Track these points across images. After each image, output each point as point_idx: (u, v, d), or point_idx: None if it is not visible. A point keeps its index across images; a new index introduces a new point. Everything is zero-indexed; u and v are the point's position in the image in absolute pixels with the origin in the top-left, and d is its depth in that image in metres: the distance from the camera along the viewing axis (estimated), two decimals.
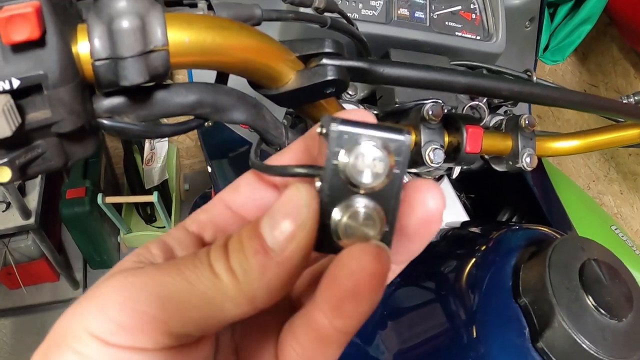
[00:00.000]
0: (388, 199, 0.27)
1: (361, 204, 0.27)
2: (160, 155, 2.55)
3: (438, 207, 0.28)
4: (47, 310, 2.60)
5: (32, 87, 0.32)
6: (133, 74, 0.34)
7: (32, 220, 2.20)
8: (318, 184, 0.27)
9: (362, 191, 0.27)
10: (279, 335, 0.31)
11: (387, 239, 0.28)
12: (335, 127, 0.26)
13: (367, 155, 0.26)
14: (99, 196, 2.27)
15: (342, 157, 0.26)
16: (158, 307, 0.26)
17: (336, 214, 0.27)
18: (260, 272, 0.25)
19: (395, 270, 0.32)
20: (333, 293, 0.25)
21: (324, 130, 0.27)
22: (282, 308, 0.33)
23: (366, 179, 0.26)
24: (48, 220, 2.39)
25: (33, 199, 2.27)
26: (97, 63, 0.34)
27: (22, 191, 2.25)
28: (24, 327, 2.56)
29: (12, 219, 2.20)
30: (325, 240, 0.28)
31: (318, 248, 0.28)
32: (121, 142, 2.73)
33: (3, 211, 2.23)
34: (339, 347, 0.27)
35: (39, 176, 2.35)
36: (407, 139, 0.27)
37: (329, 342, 0.27)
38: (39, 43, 0.31)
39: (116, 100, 0.37)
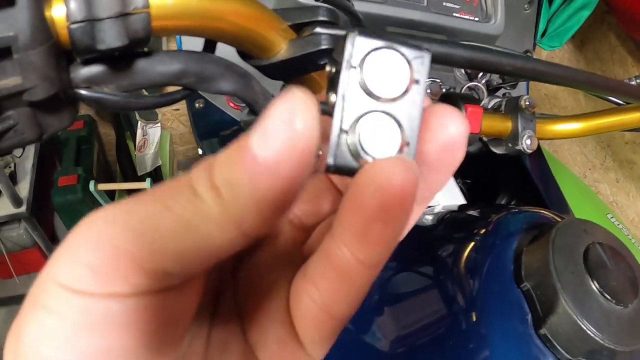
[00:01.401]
0: (410, 111, 0.25)
1: (381, 115, 0.25)
2: (152, 141, 2.52)
3: (460, 132, 0.25)
4: None
5: (0, 51, 0.30)
6: (111, 37, 0.32)
7: (23, 208, 2.18)
8: (333, 96, 0.25)
9: (382, 101, 0.25)
10: (289, 291, 0.28)
11: (410, 154, 0.25)
12: (354, 35, 0.24)
13: (388, 62, 0.24)
14: (92, 183, 2.24)
15: (360, 65, 0.24)
16: (130, 240, 0.22)
17: (353, 127, 0.25)
18: (250, 184, 0.22)
19: (417, 211, 0.28)
20: (357, 216, 0.22)
21: (334, 69, 0.25)
22: (293, 264, 0.30)
23: (388, 86, 0.24)
24: (40, 208, 2.37)
25: (24, 187, 2.25)
26: (73, 26, 0.32)
27: (13, 179, 2.23)
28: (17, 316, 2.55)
29: (3, 207, 2.18)
30: (340, 160, 0.25)
31: (331, 169, 0.25)
32: (113, 128, 2.71)
33: None
34: (364, 285, 0.24)
35: (31, 164, 2.33)
36: (426, 53, 0.25)
37: (352, 280, 0.24)
38: (7, 1, 0.29)
39: (95, 69, 0.35)
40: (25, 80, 0.31)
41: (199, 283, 0.27)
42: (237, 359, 0.29)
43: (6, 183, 2.09)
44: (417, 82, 0.25)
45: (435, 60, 0.45)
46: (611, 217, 1.31)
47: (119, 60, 0.36)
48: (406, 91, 0.24)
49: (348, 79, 0.24)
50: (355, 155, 0.24)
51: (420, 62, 0.25)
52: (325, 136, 0.25)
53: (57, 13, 0.32)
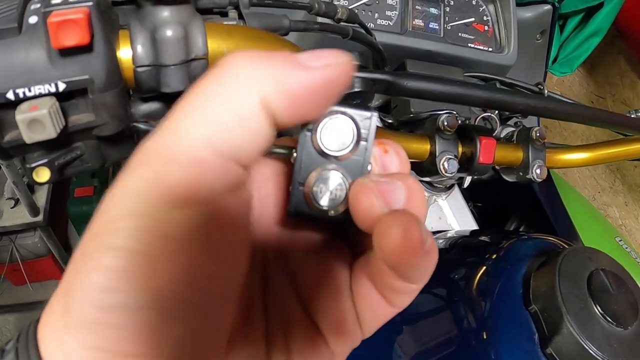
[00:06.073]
0: (358, 169, 0.30)
1: (330, 171, 0.30)
2: None
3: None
4: None
5: (76, 90, 0.34)
6: (175, 82, 0.36)
7: (40, 217, 2.19)
8: (294, 154, 0.30)
9: (332, 160, 0.30)
10: (347, 271, 0.32)
11: None
12: None
13: (336, 126, 0.29)
14: None
15: (314, 127, 0.29)
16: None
17: (307, 181, 0.30)
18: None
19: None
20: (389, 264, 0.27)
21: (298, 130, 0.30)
22: (346, 255, 0.34)
23: (335, 147, 0.29)
24: (56, 218, 2.38)
25: (42, 197, 2.27)
26: (140, 69, 0.36)
27: (31, 188, 2.25)
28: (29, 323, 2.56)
29: (21, 216, 2.20)
30: (298, 207, 0.30)
31: (291, 215, 0.30)
32: None
33: (12, 208, 2.23)
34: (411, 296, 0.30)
35: None
36: (373, 115, 0.30)
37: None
38: (86, 48, 0.33)
39: (154, 106, 0.39)
40: (98, 118, 0.35)
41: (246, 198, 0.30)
42: (301, 332, 0.32)
43: (24, 192, 2.11)
44: (364, 139, 0.30)
45: (456, 100, 0.49)
46: (620, 241, 1.31)
47: (175, 97, 0.39)
48: (354, 149, 0.29)
49: (304, 141, 0.29)
50: (310, 204, 0.30)
51: (368, 122, 0.30)
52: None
53: (124, 55, 0.36)
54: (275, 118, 0.26)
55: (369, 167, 0.30)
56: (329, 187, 0.29)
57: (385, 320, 0.32)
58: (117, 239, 0.24)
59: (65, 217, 2.48)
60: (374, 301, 0.31)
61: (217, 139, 0.25)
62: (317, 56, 0.26)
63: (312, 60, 0.26)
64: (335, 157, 0.29)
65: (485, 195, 1.14)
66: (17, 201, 2.22)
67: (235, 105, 0.25)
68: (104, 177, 2.50)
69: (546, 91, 0.90)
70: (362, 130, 0.29)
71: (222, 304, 0.27)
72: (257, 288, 0.33)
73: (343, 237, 0.35)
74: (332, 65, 0.26)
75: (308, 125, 0.29)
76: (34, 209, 2.18)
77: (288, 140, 0.34)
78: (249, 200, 0.30)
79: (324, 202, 0.29)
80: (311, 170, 0.30)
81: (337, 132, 0.29)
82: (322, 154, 0.29)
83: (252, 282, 0.33)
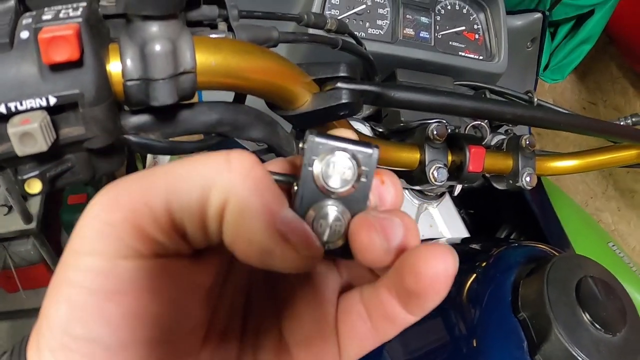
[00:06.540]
0: (357, 204, 0.30)
1: (330, 206, 0.30)
2: (162, 163, 2.54)
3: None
4: None
5: (66, 104, 0.34)
6: (164, 95, 0.36)
7: (33, 224, 2.19)
8: (295, 188, 0.30)
9: (333, 196, 0.30)
10: (334, 303, 0.33)
11: None
12: (312, 138, 0.30)
13: (338, 164, 0.29)
14: None
15: (316, 165, 0.30)
16: (139, 208, 0.26)
17: (309, 214, 0.30)
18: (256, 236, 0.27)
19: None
20: (401, 288, 0.28)
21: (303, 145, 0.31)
22: (333, 283, 0.34)
23: (336, 184, 0.30)
24: (49, 225, 2.38)
25: (35, 204, 2.27)
26: (129, 83, 0.36)
27: (24, 196, 2.25)
28: (22, 330, 2.54)
29: (14, 223, 2.19)
30: None
31: None
32: None
33: (5, 215, 2.22)
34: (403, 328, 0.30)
35: None
36: (374, 151, 0.30)
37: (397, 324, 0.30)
38: (76, 63, 0.33)
39: (143, 118, 0.39)
40: (88, 131, 0.35)
41: (213, 260, 0.32)
42: (271, 353, 0.33)
43: (17, 199, 2.11)
44: (364, 175, 0.30)
45: (444, 111, 0.49)
46: (612, 246, 1.31)
47: (165, 110, 0.40)
48: (354, 185, 0.30)
49: (306, 176, 0.30)
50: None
51: (368, 159, 0.30)
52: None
53: (113, 68, 0.36)
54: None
55: (368, 203, 0.31)
56: (329, 222, 0.30)
57: (368, 351, 0.32)
58: (78, 274, 0.26)
59: (58, 224, 2.48)
60: (362, 333, 0.31)
61: (175, 206, 0.26)
62: (295, 230, 0.27)
63: (291, 229, 0.27)
64: (337, 193, 0.30)
65: (477, 202, 1.14)
66: (10, 208, 2.22)
67: (201, 187, 0.26)
68: (97, 184, 2.50)
69: (536, 99, 0.91)
70: (363, 167, 0.30)
71: (175, 338, 0.29)
72: (239, 310, 0.34)
73: (334, 264, 0.35)
74: (294, 255, 0.27)
75: (310, 160, 0.29)
76: (27, 216, 2.18)
77: (287, 166, 0.34)
78: (203, 269, 0.31)
79: (323, 237, 0.30)
80: (311, 204, 0.30)
81: (338, 169, 0.29)
82: (323, 190, 0.30)
83: (234, 303, 0.34)
